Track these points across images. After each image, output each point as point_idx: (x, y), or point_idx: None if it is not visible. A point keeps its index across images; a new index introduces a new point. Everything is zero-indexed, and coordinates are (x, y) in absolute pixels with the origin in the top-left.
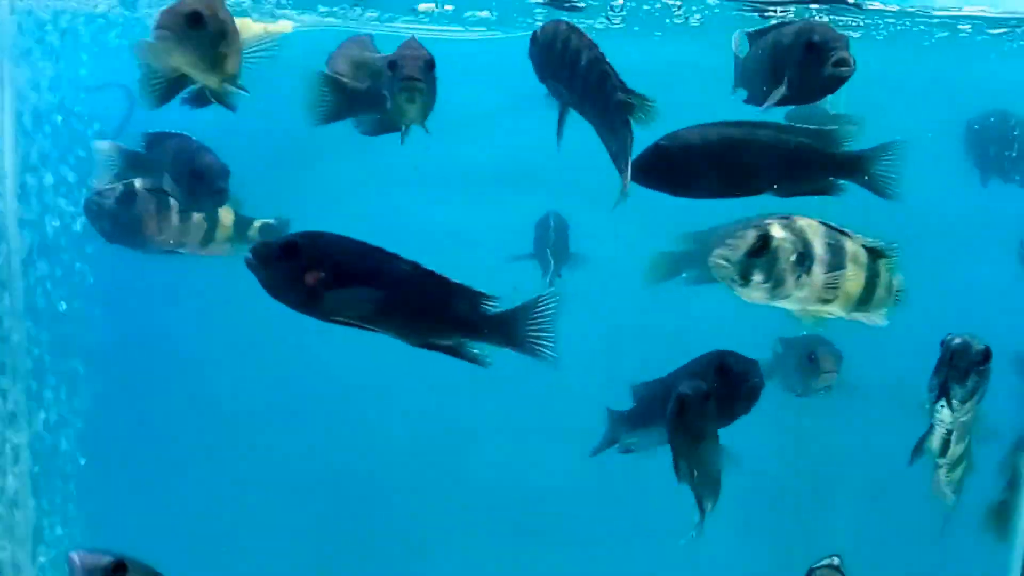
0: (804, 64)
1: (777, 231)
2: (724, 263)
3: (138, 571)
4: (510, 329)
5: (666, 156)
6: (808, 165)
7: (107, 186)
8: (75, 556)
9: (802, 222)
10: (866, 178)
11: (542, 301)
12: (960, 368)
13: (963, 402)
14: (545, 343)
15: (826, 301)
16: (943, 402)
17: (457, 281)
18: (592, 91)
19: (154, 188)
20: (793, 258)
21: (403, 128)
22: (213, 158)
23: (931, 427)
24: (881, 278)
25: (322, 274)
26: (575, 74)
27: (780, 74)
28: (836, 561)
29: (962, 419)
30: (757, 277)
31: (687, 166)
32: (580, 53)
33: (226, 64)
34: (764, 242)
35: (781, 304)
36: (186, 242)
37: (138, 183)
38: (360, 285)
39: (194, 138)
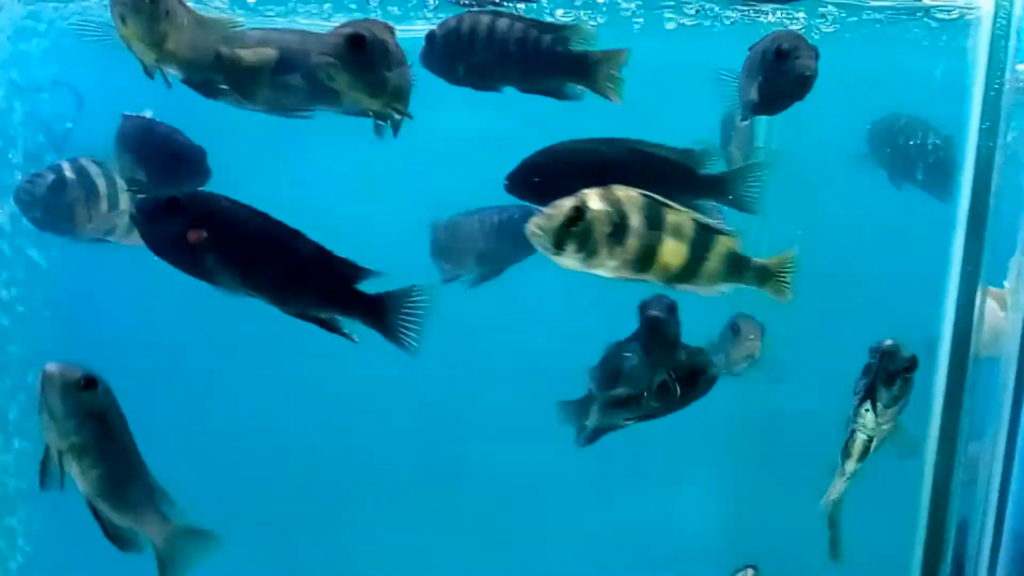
0: (771, 71)
1: (594, 202)
2: (539, 232)
3: (105, 391)
4: (380, 312)
5: (537, 170)
6: (674, 185)
7: (37, 174)
8: (51, 367)
9: (621, 193)
10: (729, 198)
11: (415, 291)
12: (889, 371)
13: (887, 407)
14: (411, 334)
15: (642, 270)
16: (867, 405)
17: (339, 255)
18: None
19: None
20: (608, 229)
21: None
22: (189, 140)
23: (852, 432)
24: (713, 253)
25: (204, 233)
26: (522, 52)
27: (754, 82)
28: (751, 574)
29: (883, 426)
30: (571, 247)
31: (558, 180)
32: (525, 30)
33: (167, 43)
34: (579, 213)
35: (596, 272)
36: (114, 230)
37: (67, 170)
38: (240, 248)
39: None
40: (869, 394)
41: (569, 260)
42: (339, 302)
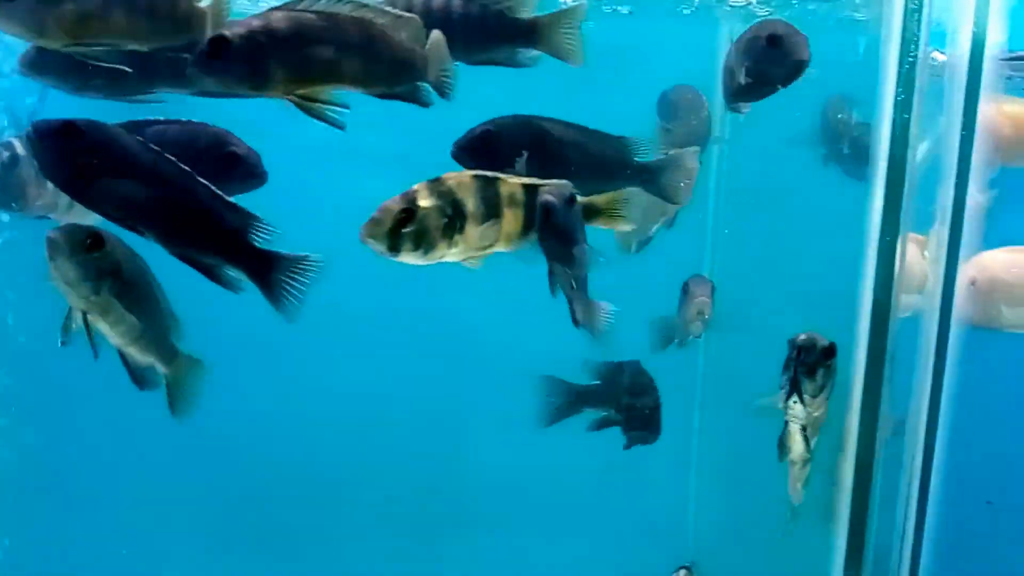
0: (763, 58)
1: (424, 199)
2: (371, 239)
3: (113, 243)
4: (265, 270)
5: (489, 140)
6: (609, 169)
7: None
8: (53, 233)
9: (452, 181)
10: (656, 187)
11: (307, 260)
12: (808, 364)
13: (814, 397)
14: (291, 299)
15: (488, 246)
16: (795, 398)
17: (232, 201)
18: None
19: None
20: (442, 222)
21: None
22: (242, 143)
23: (786, 424)
24: None
25: (95, 160)
26: (465, 26)
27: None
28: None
29: (815, 414)
30: (407, 246)
31: (504, 149)
32: (465, 4)
33: (64, 27)
34: (408, 213)
35: (442, 261)
36: (56, 207)
37: (19, 147)
38: (130, 180)
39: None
40: (794, 388)
41: (409, 258)
42: (226, 250)
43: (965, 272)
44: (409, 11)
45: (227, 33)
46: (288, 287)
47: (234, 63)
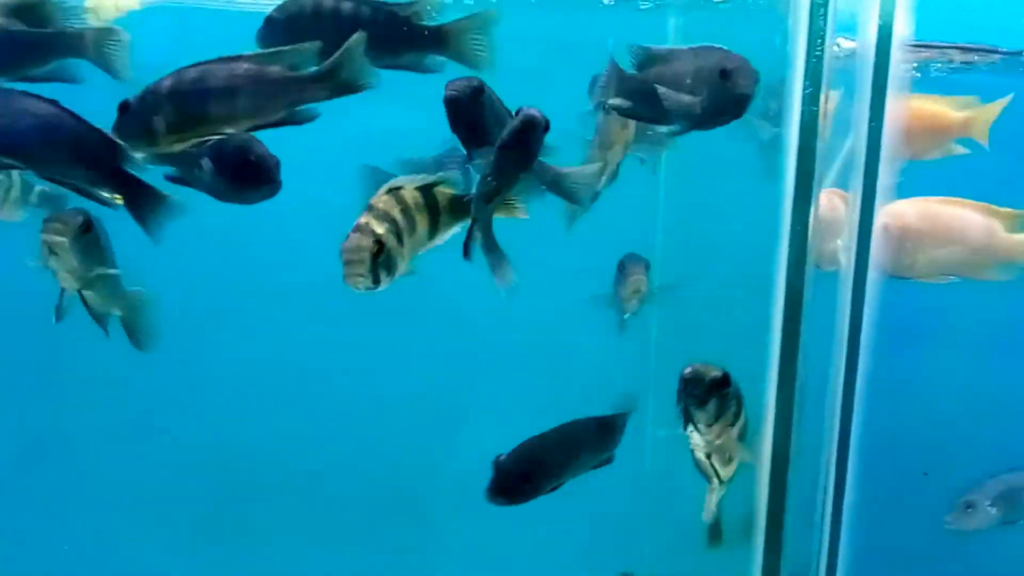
0: (715, 89)
1: (376, 226)
2: (359, 282)
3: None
4: (139, 193)
5: (483, 90)
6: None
7: None
8: (57, 225)
9: (380, 203)
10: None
11: (169, 198)
12: (696, 395)
13: (711, 425)
14: (152, 225)
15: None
16: (690, 428)
17: (101, 129)
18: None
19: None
20: (395, 242)
21: None
22: (263, 147)
23: (692, 452)
24: (443, 205)
25: None
26: (373, 30)
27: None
28: None
29: (717, 442)
30: (383, 274)
31: (488, 105)
32: (373, 7)
33: None
34: (380, 245)
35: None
36: None
37: None
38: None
39: None
40: (687, 419)
41: (384, 284)
42: (99, 176)
43: (878, 219)
44: (316, 14)
45: (128, 100)
46: (152, 213)
47: (130, 127)
